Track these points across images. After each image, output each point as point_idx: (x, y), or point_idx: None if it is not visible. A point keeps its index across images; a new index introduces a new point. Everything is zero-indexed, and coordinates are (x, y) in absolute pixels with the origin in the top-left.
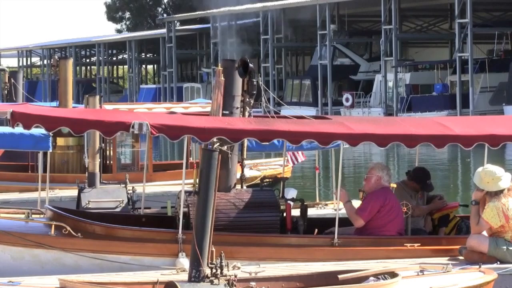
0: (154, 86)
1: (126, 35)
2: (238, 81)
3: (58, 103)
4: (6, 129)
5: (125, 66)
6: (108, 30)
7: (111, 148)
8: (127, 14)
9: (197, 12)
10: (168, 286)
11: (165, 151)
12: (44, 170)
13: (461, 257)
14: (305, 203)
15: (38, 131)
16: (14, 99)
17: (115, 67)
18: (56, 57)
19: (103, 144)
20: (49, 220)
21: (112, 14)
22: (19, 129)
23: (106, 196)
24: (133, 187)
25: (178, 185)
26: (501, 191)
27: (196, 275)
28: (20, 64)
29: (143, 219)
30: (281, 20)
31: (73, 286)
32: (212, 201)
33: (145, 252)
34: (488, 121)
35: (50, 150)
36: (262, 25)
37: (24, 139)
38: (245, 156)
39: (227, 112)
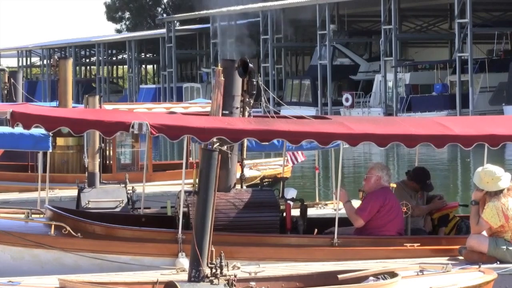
0: (153, 86)
1: (125, 35)
2: (238, 81)
3: (57, 103)
4: (6, 129)
5: (124, 66)
6: (107, 30)
7: (111, 148)
8: (127, 14)
9: (196, 12)
10: (168, 286)
11: (165, 151)
12: (44, 170)
13: (461, 257)
14: (304, 203)
15: (38, 131)
16: (14, 99)
17: (114, 67)
18: (56, 57)
19: (102, 144)
20: (49, 220)
21: (112, 14)
22: (19, 129)
23: (106, 196)
24: (133, 187)
25: (178, 185)
26: (501, 191)
27: (196, 275)
28: (20, 64)
29: (143, 219)
30: (281, 20)
31: (73, 286)
32: (212, 201)
33: (145, 252)
34: (487, 121)
35: (50, 150)
36: (262, 25)
37: (24, 139)
38: (245, 156)
39: (227, 112)
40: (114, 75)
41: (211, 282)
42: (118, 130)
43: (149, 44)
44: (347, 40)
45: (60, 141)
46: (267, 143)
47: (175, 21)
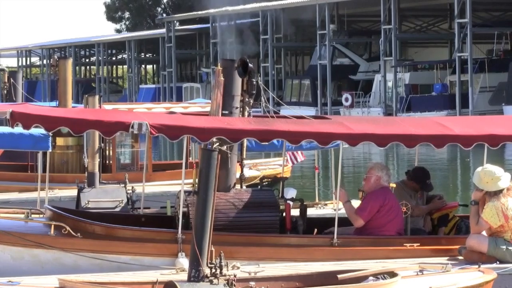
0: (153, 86)
1: (125, 35)
2: (238, 81)
3: (57, 103)
4: (6, 129)
5: (124, 66)
6: (107, 30)
7: (111, 148)
8: (127, 14)
9: (196, 12)
10: (167, 286)
11: (165, 151)
12: (44, 170)
13: (460, 257)
14: (304, 203)
15: (37, 131)
16: (14, 99)
17: (114, 67)
18: (56, 57)
19: (102, 144)
20: (49, 220)
21: (112, 14)
22: (18, 129)
23: (105, 196)
24: (132, 187)
25: (178, 185)
26: (501, 191)
27: (195, 275)
28: (20, 64)
29: (143, 219)
30: (280, 20)
31: (72, 286)
32: (212, 201)
33: (145, 252)
34: (487, 121)
35: (50, 150)
36: (261, 25)
37: (24, 139)
38: (244, 156)
39: (226, 112)
40: (114, 75)
41: (211, 282)
42: (118, 130)
43: (149, 44)
44: (346, 40)
45: (59, 141)
46: (266, 143)
47: (175, 21)
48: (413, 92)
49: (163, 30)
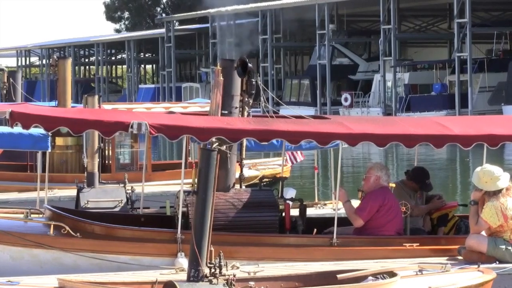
0: (153, 86)
1: (125, 35)
2: (237, 80)
3: (57, 103)
4: (5, 129)
5: (124, 66)
6: (107, 30)
7: (110, 148)
8: (126, 14)
9: (196, 12)
10: (167, 285)
11: (164, 151)
12: (43, 170)
13: (460, 257)
14: (304, 203)
15: (37, 131)
16: (13, 98)
17: (114, 66)
18: (55, 56)
19: (102, 144)
20: (48, 220)
21: (111, 13)
22: (18, 129)
23: (105, 196)
24: (132, 187)
25: (177, 185)
26: (500, 191)
27: (195, 274)
28: (19, 63)
29: (142, 219)
30: (280, 20)
31: (72, 286)
32: (211, 201)
33: (144, 252)
34: (487, 121)
35: (49, 150)
36: (261, 25)
37: (23, 139)
38: (244, 156)
39: (226, 112)
40: (113, 75)
41: (210, 282)
42: (117, 130)
43: (148, 44)
44: (346, 40)
45: (59, 141)
46: (266, 143)
47: (174, 21)
48: (412, 92)
49: (163, 30)
